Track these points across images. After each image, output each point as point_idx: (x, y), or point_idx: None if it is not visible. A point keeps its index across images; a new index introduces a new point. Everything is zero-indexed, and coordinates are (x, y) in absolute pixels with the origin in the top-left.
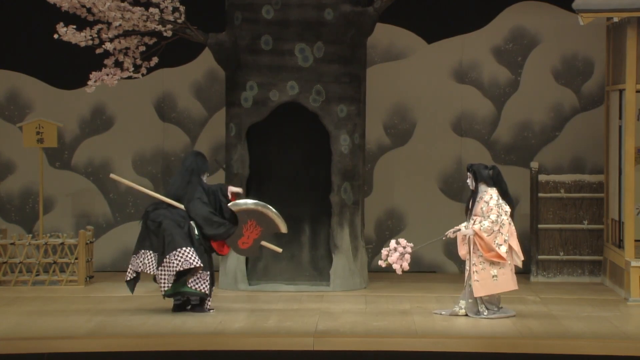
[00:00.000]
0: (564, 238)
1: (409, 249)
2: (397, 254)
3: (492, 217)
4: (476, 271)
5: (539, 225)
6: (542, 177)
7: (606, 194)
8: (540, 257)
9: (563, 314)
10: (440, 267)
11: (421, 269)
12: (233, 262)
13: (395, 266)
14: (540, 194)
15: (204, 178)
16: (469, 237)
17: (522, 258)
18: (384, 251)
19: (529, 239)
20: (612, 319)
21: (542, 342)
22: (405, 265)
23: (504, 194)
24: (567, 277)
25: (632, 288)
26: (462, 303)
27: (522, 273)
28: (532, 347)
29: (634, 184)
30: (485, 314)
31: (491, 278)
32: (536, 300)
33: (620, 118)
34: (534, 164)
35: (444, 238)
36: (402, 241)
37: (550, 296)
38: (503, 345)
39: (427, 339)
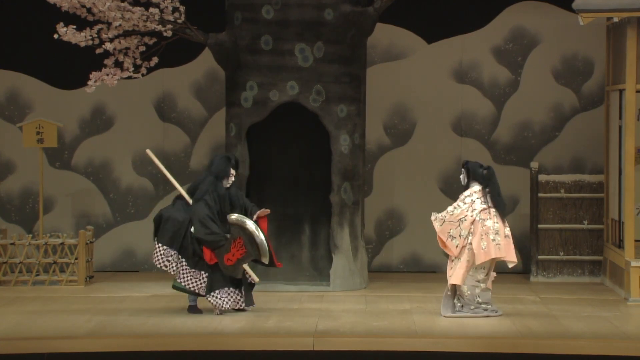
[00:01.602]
0: (564, 238)
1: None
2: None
3: (448, 208)
4: (452, 267)
5: (539, 225)
6: (542, 177)
7: (606, 194)
8: (540, 257)
9: (563, 314)
10: (440, 267)
11: (421, 269)
12: None
13: None
14: (540, 194)
15: (225, 182)
16: None
17: (491, 257)
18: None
19: (529, 239)
20: (612, 319)
21: (542, 342)
22: None
23: (495, 196)
24: (567, 277)
25: (632, 288)
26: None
27: (522, 273)
28: (532, 347)
29: (634, 184)
30: (456, 308)
31: (450, 271)
32: (536, 300)
33: (620, 118)
34: (534, 164)
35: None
36: None
37: (550, 296)
38: (503, 345)
39: (427, 339)
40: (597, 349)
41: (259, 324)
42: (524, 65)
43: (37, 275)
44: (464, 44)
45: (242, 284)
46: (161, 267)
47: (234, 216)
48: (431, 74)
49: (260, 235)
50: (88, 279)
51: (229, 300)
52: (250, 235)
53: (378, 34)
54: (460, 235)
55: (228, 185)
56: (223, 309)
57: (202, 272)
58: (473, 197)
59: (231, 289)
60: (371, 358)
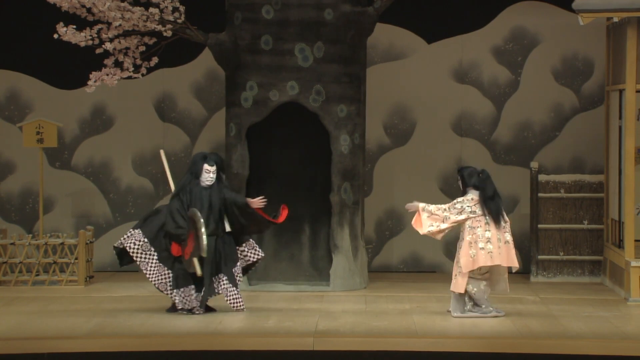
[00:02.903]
0: (564, 238)
1: None
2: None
3: (442, 206)
4: (454, 269)
5: (539, 225)
6: (542, 177)
7: (606, 194)
8: (540, 257)
9: (563, 313)
10: (440, 267)
11: (421, 269)
12: None
13: None
14: (540, 194)
15: (203, 180)
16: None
17: (479, 265)
18: None
19: (529, 239)
20: (612, 319)
21: (542, 342)
22: None
23: (487, 199)
24: (567, 277)
25: (632, 288)
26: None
27: (522, 273)
28: (532, 347)
29: (633, 184)
30: (467, 307)
31: (454, 277)
32: (536, 300)
33: (620, 118)
34: (534, 164)
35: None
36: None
37: (550, 296)
38: (503, 345)
39: (427, 339)
40: (597, 349)
41: (259, 324)
42: (524, 65)
43: (37, 275)
44: (464, 44)
45: (201, 286)
46: (125, 246)
47: (190, 210)
48: (431, 74)
49: (202, 229)
50: (88, 279)
51: (189, 300)
52: (197, 230)
53: (378, 34)
54: (438, 227)
55: (208, 184)
56: (185, 308)
57: (166, 269)
58: (463, 205)
59: (192, 287)
60: (371, 358)
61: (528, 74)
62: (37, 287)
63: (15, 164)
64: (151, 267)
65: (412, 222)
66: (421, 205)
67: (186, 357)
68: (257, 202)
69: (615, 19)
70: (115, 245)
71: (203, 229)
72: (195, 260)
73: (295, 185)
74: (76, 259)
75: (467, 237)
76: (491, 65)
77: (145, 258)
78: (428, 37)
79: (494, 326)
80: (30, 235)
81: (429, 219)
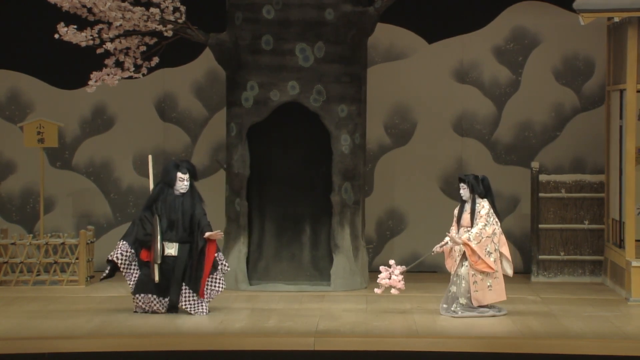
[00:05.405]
0: (564, 238)
1: (398, 269)
2: (385, 273)
3: (479, 225)
4: (475, 282)
5: (540, 225)
6: (543, 177)
7: (607, 194)
8: (541, 257)
9: (563, 313)
10: (441, 267)
11: (422, 269)
12: (234, 262)
13: (386, 282)
14: (541, 194)
15: (176, 188)
16: (455, 249)
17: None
18: (379, 279)
19: (530, 239)
20: (613, 319)
21: (542, 342)
22: (399, 284)
23: (493, 203)
24: (567, 277)
25: (632, 288)
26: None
27: (523, 273)
28: (532, 347)
29: (634, 183)
30: (459, 313)
31: (487, 288)
32: (537, 300)
33: (620, 118)
34: (535, 164)
35: (432, 254)
36: (391, 262)
37: (551, 296)
38: (503, 345)
39: (428, 339)
40: (597, 349)
41: (260, 324)
42: (524, 65)
43: (37, 275)
44: (465, 43)
45: (164, 292)
46: (113, 258)
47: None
48: (432, 73)
49: (158, 236)
50: (89, 279)
51: (151, 305)
52: (154, 237)
53: (379, 34)
54: (495, 250)
55: (182, 192)
56: (148, 311)
57: (138, 271)
58: (491, 210)
59: (153, 295)
60: (372, 358)
61: (529, 74)
62: (38, 287)
63: (16, 164)
64: (135, 275)
65: (447, 265)
66: (464, 237)
67: (186, 357)
68: (215, 235)
69: (616, 19)
70: (109, 258)
71: (159, 236)
72: (156, 267)
73: (296, 185)
74: (77, 258)
75: (503, 240)
76: (492, 65)
77: (130, 268)
78: (429, 37)
79: (494, 326)
80: (31, 235)
81: (480, 245)
